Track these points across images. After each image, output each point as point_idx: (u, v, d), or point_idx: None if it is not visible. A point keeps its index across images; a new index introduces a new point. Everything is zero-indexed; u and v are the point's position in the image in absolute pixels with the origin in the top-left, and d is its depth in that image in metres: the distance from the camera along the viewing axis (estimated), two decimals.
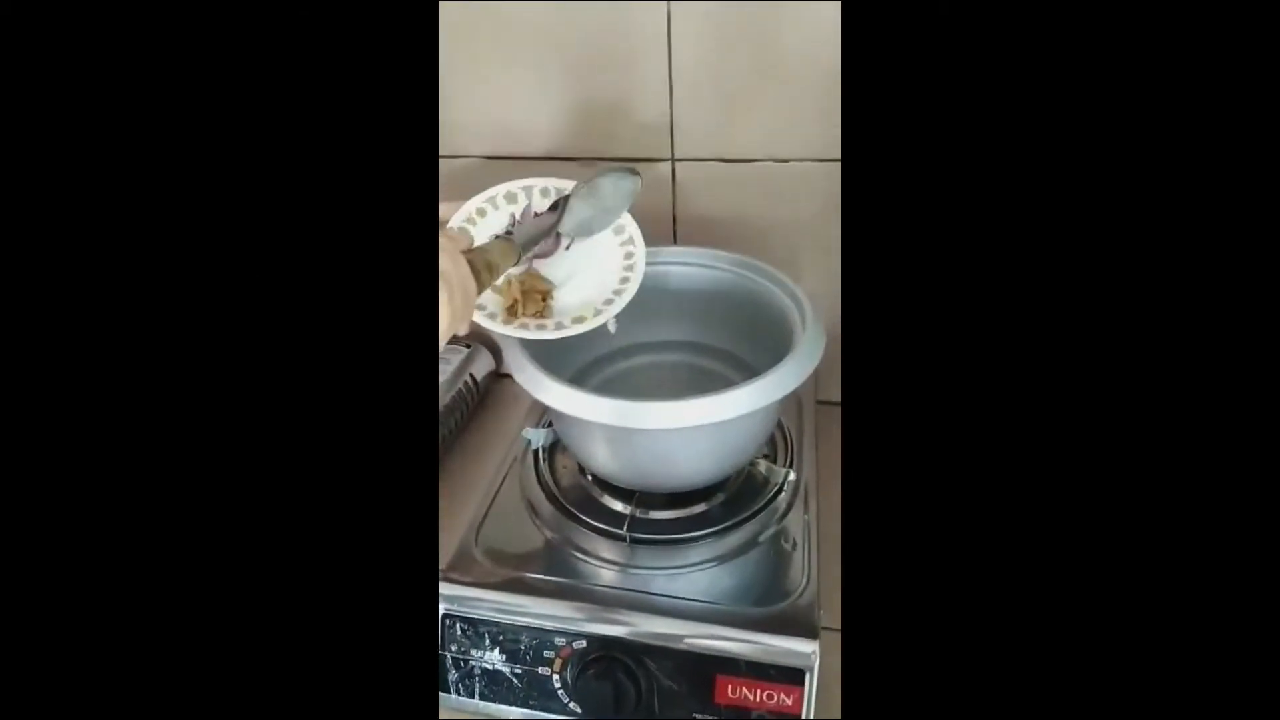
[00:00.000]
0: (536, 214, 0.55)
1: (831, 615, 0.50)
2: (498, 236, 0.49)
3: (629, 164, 0.58)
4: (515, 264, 0.49)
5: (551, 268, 0.57)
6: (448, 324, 0.39)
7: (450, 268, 0.40)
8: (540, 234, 0.52)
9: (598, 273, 0.56)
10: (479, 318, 0.51)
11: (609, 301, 0.55)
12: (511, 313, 0.53)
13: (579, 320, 0.53)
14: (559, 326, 0.53)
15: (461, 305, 0.41)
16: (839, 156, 0.68)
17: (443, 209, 0.55)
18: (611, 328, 0.55)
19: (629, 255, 0.57)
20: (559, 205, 0.55)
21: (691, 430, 0.49)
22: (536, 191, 0.57)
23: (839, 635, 0.48)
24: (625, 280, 0.56)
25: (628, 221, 0.59)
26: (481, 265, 0.44)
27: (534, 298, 0.54)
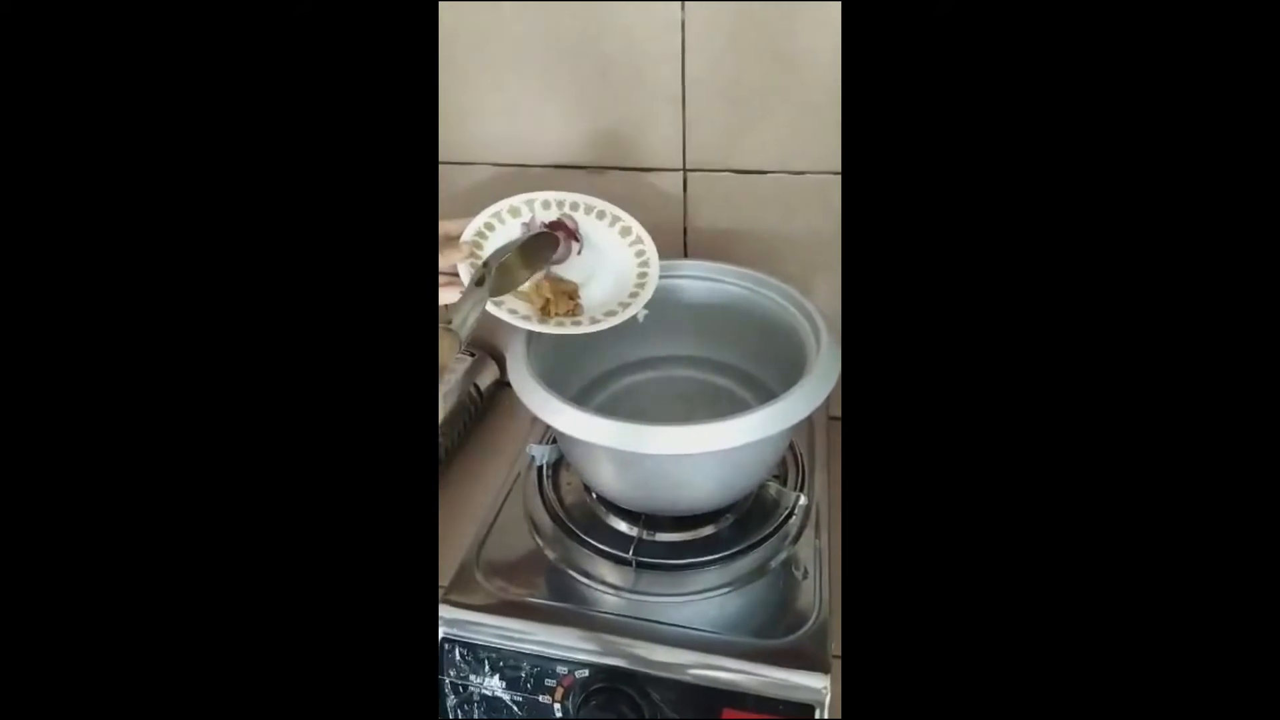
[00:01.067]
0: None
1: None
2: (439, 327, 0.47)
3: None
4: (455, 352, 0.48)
5: (569, 271, 0.59)
6: None
7: None
8: (476, 313, 0.50)
9: (614, 272, 0.59)
10: (515, 320, 0.53)
11: (634, 294, 0.57)
12: (545, 313, 0.56)
13: (611, 314, 0.55)
14: (593, 321, 0.55)
15: None
16: None
17: (453, 225, 0.55)
18: (640, 317, 0.57)
19: (640, 253, 0.59)
20: (484, 279, 0.52)
21: (700, 455, 0.47)
22: (539, 204, 0.60)
23: None
24: (643, 275, 0.58)
25: (632, 223, 0.60)
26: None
27: (563, 298, 0.57)
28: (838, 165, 0.67)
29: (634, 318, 0.56)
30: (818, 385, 0.50)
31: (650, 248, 0.59)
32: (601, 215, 0.60)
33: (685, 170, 0.70)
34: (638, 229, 0.60)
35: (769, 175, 0.69)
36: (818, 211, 0.69)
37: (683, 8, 0.63)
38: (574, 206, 0.60)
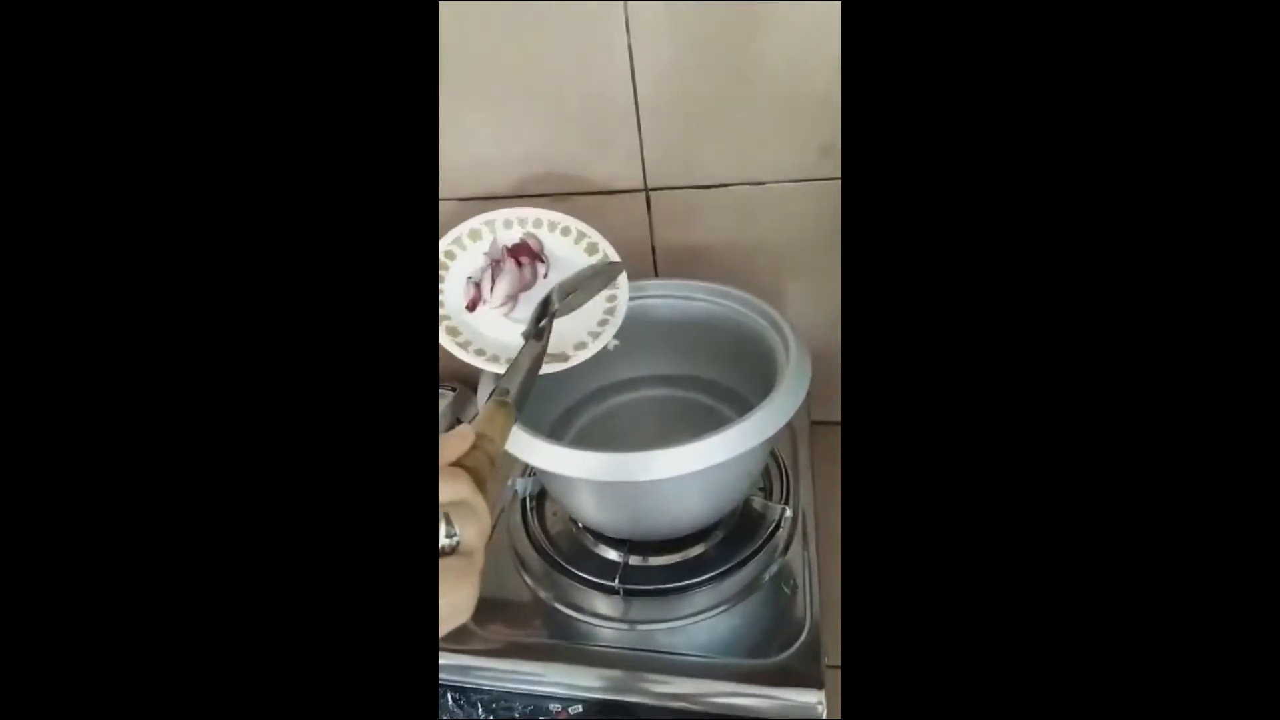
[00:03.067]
0: (524, 339, 0.51)
1: (836, 652, 0.48)
2: (492, 398, 0.40)
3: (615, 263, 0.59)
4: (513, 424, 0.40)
5: (536, 296, 0.57)
6: (470, 602, 0.30)
7: (475, 538, 0.30)
8: (534, 375, 0.45)
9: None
10: (482, 363, 0.50)
11: (603, 323, 0.55)
12: None
13: (581, 346, 0.54)
14: (565, 358, 0.52)
15: (480, 564, 0.31)
16: (817, 176, 0.66)
17: None
18: (611, 347, 0.55)
19: None
20: (543, 331, 0.50)
21: (682, 477, 0.47)
22: (499, 224, 0.58)
23: None
24: (613, 299, 0.57)
25: (600, 241, 0.59)
26: (485, 468, 0.34)
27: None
28: (797, 173, 0.67)
29: (604, 348, 0.54)
30: (791, 392, 0.49)
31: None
32: (566, 231, 0.59)
33: (647, 190, 0.70)
34: (604, 245, 0.59)
35: (730, 188, 0.69)
36: (782, 220, 0.69)
37: (627, 29, 0.63)
38: (537, 224, 0.59)
